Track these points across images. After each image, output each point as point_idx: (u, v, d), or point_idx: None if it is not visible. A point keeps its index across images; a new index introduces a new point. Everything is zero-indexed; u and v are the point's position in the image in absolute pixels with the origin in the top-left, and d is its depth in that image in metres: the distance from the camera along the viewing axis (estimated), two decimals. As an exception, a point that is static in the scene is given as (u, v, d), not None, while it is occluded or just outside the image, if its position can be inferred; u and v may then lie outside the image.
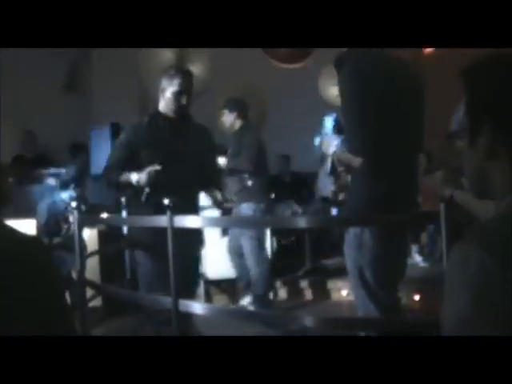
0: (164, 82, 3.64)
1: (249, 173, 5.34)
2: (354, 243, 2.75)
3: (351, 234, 2.78)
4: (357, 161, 2.65)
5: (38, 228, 5.47)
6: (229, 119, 5.58)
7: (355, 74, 2.66)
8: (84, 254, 4.53)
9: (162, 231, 3.25)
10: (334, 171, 3.09)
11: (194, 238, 3.68)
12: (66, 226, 5.26)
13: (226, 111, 5.61)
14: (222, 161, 5.26)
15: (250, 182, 5.27)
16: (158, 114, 3.71)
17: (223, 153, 5.41)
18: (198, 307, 3.35)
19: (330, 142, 2.90)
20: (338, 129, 2.97)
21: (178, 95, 3.61)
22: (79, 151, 6.90)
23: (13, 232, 1.85)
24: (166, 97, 3.62)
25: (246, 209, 5.38)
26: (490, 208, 2.04)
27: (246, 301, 5.61)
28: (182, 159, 3.62)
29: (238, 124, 5.57)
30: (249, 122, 5.69)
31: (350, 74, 2.67)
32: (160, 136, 3.64)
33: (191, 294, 3.71)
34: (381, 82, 2.67)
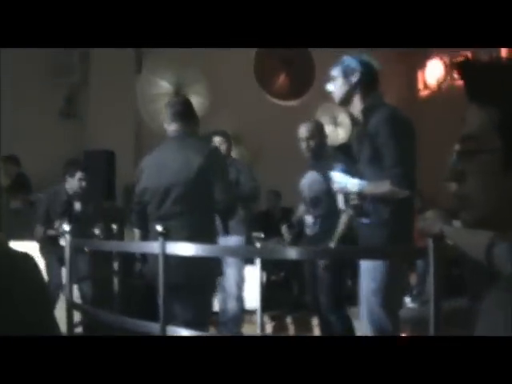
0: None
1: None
2: (370, 268, 3.03)
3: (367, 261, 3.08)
4: (402, 193, 3.04)
5: (38, 216, 5.69)
6: None
7: (393, 118, 3.15)
8: (73, 279, 4.53)
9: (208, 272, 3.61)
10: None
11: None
12: (58, 223, 5.30)
13: None
14: None
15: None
16: None
17: None
18: (186, 334, 3.33)
19: (345, 181, 3.24)
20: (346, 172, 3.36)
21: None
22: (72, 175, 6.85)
23: (4, 246, 1.86)
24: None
25: (226, 242, 5.28)
26: (480, 244, 2.07)
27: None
28: None
29: None
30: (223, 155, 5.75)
31: (388, 119, 3.13)
32: None
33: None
34: (408, 124, 3.23)
